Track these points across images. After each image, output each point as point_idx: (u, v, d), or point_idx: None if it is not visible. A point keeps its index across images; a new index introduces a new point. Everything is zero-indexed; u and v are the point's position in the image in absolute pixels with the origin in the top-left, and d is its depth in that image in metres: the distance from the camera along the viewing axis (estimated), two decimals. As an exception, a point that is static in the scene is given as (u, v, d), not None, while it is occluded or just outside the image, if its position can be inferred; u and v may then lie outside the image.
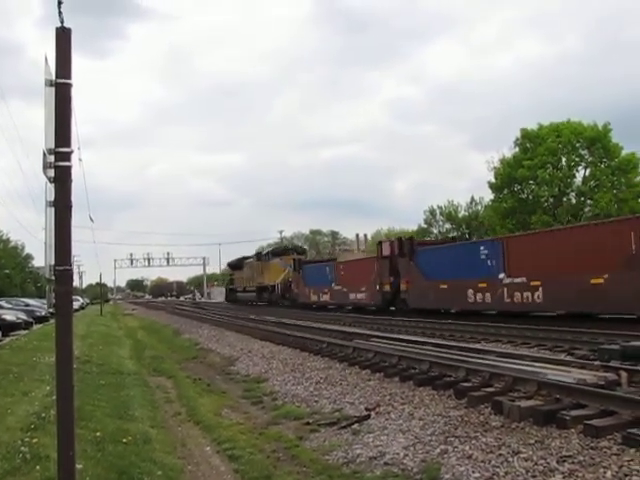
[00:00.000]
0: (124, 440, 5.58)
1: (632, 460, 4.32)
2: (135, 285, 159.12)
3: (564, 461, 4.48)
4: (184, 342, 17.43)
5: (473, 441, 5.17)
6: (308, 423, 6.52)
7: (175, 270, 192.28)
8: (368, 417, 6.44)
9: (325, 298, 32.39)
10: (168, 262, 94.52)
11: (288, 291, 37.88)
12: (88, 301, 75.33)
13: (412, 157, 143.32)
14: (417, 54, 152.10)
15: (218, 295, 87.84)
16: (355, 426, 6.17)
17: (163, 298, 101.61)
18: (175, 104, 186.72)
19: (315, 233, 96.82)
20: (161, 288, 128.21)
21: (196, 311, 36.83)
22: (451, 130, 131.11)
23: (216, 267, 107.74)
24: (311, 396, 7.96)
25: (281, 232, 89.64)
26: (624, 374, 6.64)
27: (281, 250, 44.65)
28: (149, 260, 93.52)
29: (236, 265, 53.77)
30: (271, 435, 6.15)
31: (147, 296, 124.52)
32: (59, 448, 3.23)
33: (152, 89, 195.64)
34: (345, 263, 33.19)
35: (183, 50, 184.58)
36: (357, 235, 70.45)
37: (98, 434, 5.63)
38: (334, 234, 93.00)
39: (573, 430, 5.05)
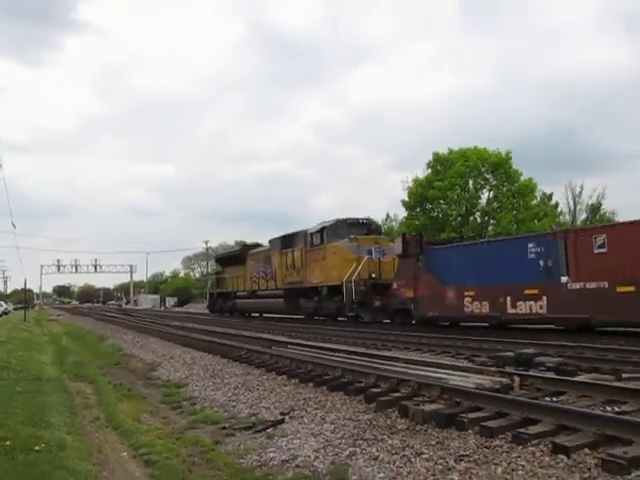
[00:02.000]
0: (37, 448, 5.24)
1: (519, 456, 4.48)
2: (62, 291, 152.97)
3: (461, 460, 4.57)
4: (108, 348, 16.78)
5: (380, 443, 5.20)
6: (225, 427, 6.37)
7: (102, 277, 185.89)
8: (282, 421, 6.37)
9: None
10: (96, 269, 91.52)
11: (370, 297, 20.48)
12: (12, 307, 71.54)
13: (335, 176, 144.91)
14: (342, 80, 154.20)
15: (144, 302, 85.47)
16: (270, 430, 6.08)
17: (90, 304, 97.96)
18: (109, 116, 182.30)
19: (240, 244, 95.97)
20: (88, 294, 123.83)
21: (122, 318, 35.34)
22: (372, 152, 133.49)
23: (143, 275, 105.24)
24: (229, 401, 7.81)
25: (207, 242, 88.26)
26: (517, 379, 6.88)
27: (346, 225, 23.51)
28: (76, 267, 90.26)
29: (231, 258, 34.76)
30: (188, 440, 5.97)
31: (74, 302, 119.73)
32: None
33: (86, 100, 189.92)
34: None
35: (118, 65, 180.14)
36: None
37: (8, 443, 5.27)
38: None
39: (470, 431, 5.17)
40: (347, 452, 5.08)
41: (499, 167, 39.89)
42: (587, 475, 4.03)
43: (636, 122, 76.60)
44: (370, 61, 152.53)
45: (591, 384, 6.74)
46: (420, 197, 40.97)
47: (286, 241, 26.88)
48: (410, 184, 43.21)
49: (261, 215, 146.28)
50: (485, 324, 16.55)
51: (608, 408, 5.74)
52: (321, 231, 23.70)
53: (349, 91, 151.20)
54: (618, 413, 5.46)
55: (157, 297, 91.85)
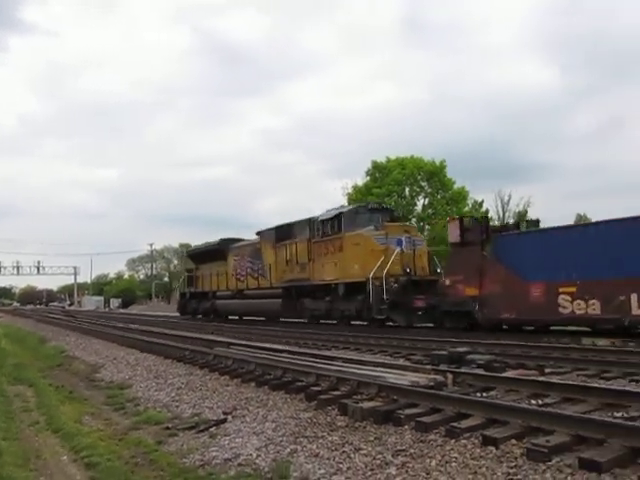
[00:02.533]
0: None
1: (452, 449, 4.56)
2: (2, 293, 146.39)
3: (398, 454, 4.60)
4: (49, 350, 16.14)
5: (320, 440, 5.18)
6: (168, 428, 6.22)
7: (45, 279, 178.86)
8: (225, 420, 6.27)
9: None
10: (38, 270, 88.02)
11: (406, 296, 16.62)
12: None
13: (278, 181, 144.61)
14: (286, 89, 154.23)
15: (88, 304, 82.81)
16: (213, 429, 5.98)
17: (32, 306, 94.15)
18: (54, 118, 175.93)
19: (184, 246, 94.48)
20: (30, 296, 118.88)
21: (65, 319, 34.05)
22: (313, 159, 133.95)
23: (88, 277, 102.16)
24: (172, 401, 7.63)
25: (151, 245, 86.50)
26: (450, 376, 7.01)
27: (367, 210, 19.79)
28: (18, 268, 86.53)
29: (208, 254, 28.97)
30: (131, 441, 5.79)
31: (15, 304, 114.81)
32: None
33: (30, 102, 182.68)
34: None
35: (64, 67, 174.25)
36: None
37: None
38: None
39: (407, 427, 5.22)
40: (288, 449, 5.04)
41: (434, 176, 40.89)
42: (513, 464, 4.13)
43: (557, 135, 79.92)
44: (313, 72, 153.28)
45: (517, 379, 6.94)
46: (359, 203, 41.38)
47: (283, 232, 22.34)
48: (350, 190, 43.70)
49: (205, 218, 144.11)
50: (530, 327, 14.36)
51: (533, 401, 5.92)
52: (337, 218, 19.08)
53: (292, 100, 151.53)
54: (541, 405, 5.65)
55: (101, 298, 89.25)
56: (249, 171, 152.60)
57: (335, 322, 19.43)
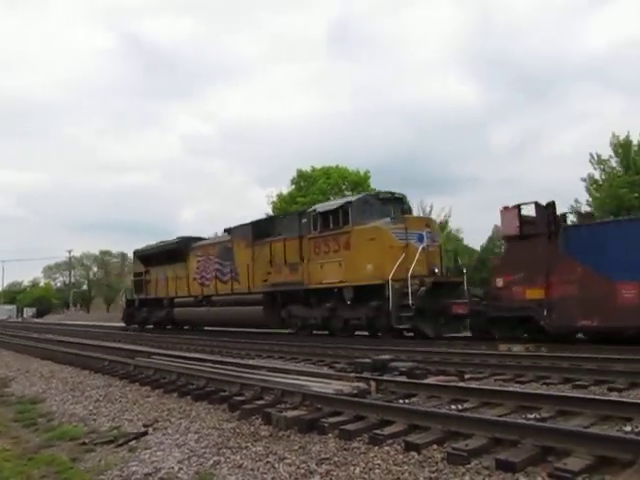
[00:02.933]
0: None
1: (375, 456, 4.59)
2: None
3: (322, 463, 4.60)
4: (-47, 364, 15.10)
5: (244, 451, 5.11)
6: (84, 443, 5.93)
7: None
8: (146, 433, 6.06)
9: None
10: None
11: (437, 302, 14.50)
12: None
13: (202, 188, 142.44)
14: (213, 95, 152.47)
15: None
16: (132, 443, 5.77)
17: None
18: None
19: (104, 254, 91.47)
20: None
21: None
22: (239, 167, 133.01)
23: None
24: (89, 415, 7.31)
25: (70, 251, 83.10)
26: (373, 384, 7.09)
27: (377, 200, 16.92)
28: None
29: (163, 255, 25.58)
30: (42, 459, 5.47)
31: None
32: None
33: None
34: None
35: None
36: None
37: None
38: (123, 256, 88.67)
39: (331, 435, 5.23)
40: (211, 461, 4.93)
41: (358, 185, 41.50)
42: (435, 468, 4.22)
43: (476, 149, 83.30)
44: (240, 78, 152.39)
45: (438, 385, 7.12)
46: (284, 212, 41.50)
47: (262, 228, 19.81)
48: (274, 199, 43.69)
49: (127, 225, 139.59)
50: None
51: (453, 406, 6.08)
52: (342, 209, 16.31)
53: (219, 106, 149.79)
54: (461, 410, 5.82)
55: (14, 307, 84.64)
56: (173, 178, 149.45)
57: (328, 333, 17.31)
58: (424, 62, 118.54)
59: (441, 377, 8.31)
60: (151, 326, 27.20)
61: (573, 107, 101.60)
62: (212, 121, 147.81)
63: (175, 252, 24.67)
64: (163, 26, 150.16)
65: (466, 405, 6.10)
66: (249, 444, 5.28)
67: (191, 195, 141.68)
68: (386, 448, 4.74)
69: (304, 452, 4.90)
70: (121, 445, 5.72)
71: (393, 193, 17.02)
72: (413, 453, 4.54)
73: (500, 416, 5.45)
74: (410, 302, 14.10)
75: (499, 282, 13.56)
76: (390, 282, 14.42)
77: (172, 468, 4.87)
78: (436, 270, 15.37)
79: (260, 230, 19.87)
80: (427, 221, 17.25)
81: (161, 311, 25.74)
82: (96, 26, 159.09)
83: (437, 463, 4.31)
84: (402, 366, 8.58)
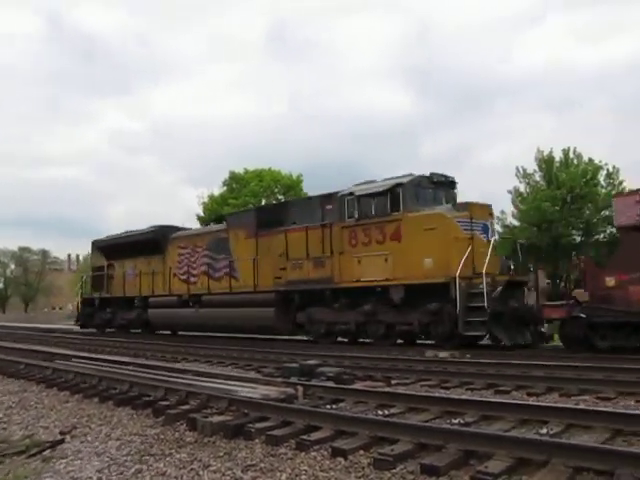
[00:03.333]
0: None
1: (302, 462, 4.58)
2: None
3: (248, 470, 4.55)
4: None
5: (167, 458, 4.98)
6: (-8, 454, 5.61)
7: None
8: (62, 441, 5.81)
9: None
10: None
11: (504, 305, 12.64)
12: None
13: (132, 185, 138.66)
14: (147, 92, 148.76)
15: None
16: (47, 452, 5.50)
17: None
18: None
19: (24, 250, 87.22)
20: None
21: None
22: (170, 165, 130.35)
23: None
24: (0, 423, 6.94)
25: (-14, 248, 78.61)
26: (300, 388, 7.08)
27: (430, 184, 14.49)
28: None
29: (133, 246, 22.21)
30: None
31: None
32: None
33: None
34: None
35: None
36: (69, 255, 65.29)
37: None
38: (44, 253, 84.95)
39: (257, 441, 5.18)
40: (133, 470, 4.78)
41: (291, 189, 41.59)
42: (361, 473, 4.26)
43: (412, 157, 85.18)
44: (175, 77, 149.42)
45: (365, 391, 7.21)
46: (215, 213, 41.03)
47: (269, 215, 17.38)
48: (206, 200, 43.16)
49: (51, 222, 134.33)
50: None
51: (379, 412, 6.16)
52: (391, 192, 13.89)
53: (151, 104, 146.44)
54: (387, 416, 5.90)
55: None
56: (101, 173, 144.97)
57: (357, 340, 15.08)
58: (361, 70, 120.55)
59: (368, 382, 8.42)
60: (113, 329, 23.82)
61: (503, 121, 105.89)
62: (144, 118, 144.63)
63: (150, 243, 21.36)
64: (98, 17, 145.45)
65: (393, 410, 6.19)
66: (173, 451, 5.15)
67: (120, 192, 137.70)
68: (313, 454, 4.75)
69: (230, 458, 4.83)
70: (34, 455, 5.45)
71: (446, 176, 14.70)
72: (340, 459, 4.56)
73: (426, 421, 5.58)
74: (485, 304, 12.02)
75: (610, 281, 11.61)
76: (458, 280, 12.32)
77: (90, 478, 4.69)
78: (512, 267, 13.94)
79: (267, 218, 17.21)
80: (490, 209, 14.64)
81: (130, 313, 22.44)
82: (29, 16, 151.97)
83: (363, 468, 4.35)
84: (330, 371, 8.63)
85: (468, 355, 11.63)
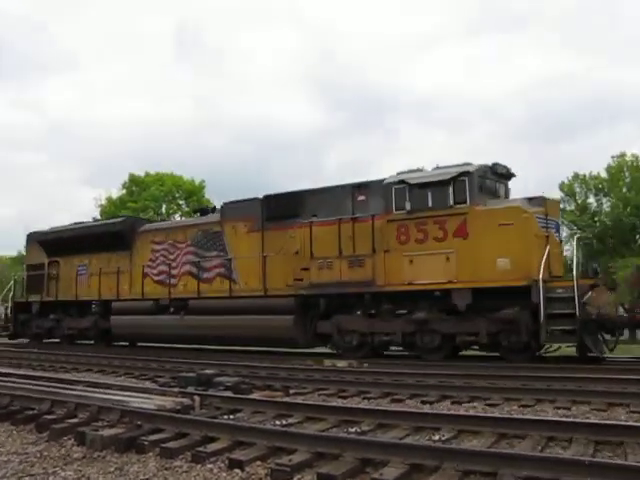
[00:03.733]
0: None
1: (198, 474, 4.48)
2: None
3: (141, 485, 4.39)
4: None
5: (51, 477, 4.67)
6: None
7: None
8: None
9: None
10: None
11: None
12: None
13: (14, 183, 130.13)
14: (36, 85, 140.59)
15: None
16: None
17: None
18: None
19: None
20: None
21: None
22: (62, 164, 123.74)
23: None
24: None
25: None
26: (197, 399, 6.95)
27: (494, 175, 12.83)
28: None
29: (87, 240, 18.60)
30: None
31: None
32: None
33: None
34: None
35: None
36: None
37: None
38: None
39: (151, 454, 5.01)
40: (9, 492, 4.45)
41: (193, 195, 40.89)
42: (259, 485, 4.24)
43: (313, 170, 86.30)
44: (73, 73, 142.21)
45: (263, 401, 7.18)
46: (113, 216, 39.61)
47: (280, 205, 14.69)
48: (103, 202, 41.52)
49: None
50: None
51: (277, 422, 6.15)
52: (456, 180, 12.10)
53: (44, 98, 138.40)
54: (285, 426, 5.91)
55: None
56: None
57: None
58: (266, 79, 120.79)
59: (266, 392, 8.39)
60: (58, 340, 19.84)
61: (401, 138, 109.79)
62: (34, 113, 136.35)
63: (113, 237, 18.03)
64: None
65: (290, 420, 6.21)
66: (58, 469, 4.85)
67: (2, 190, 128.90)
68: (209, 466, 4.65)
69: (121, 474, 4.63)
70: None
71: (507, 167, 13.29)
72: (237, 470, 4.50)
73: (323, 431, 5.64)
74: (577, 312, 10.69)
75: None
76: (541, 283, 10.89)
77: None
78: (597, 268, 12.65)
79: (276, 209, 14.68)
80: (559, 206, 13.09)
81: (82, 320, 18.94)
82: None
83: (261, 479, 4.32)
84: (228, 381, 8.53)
85: (366, 364, 11.88)
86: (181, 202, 41.26)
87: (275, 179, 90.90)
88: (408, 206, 12.40)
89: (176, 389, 7.93)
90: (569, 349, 11.94)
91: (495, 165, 12.81)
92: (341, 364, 11.99)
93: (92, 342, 18.92)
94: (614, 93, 75.82)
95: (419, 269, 12.21)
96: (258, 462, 4.63)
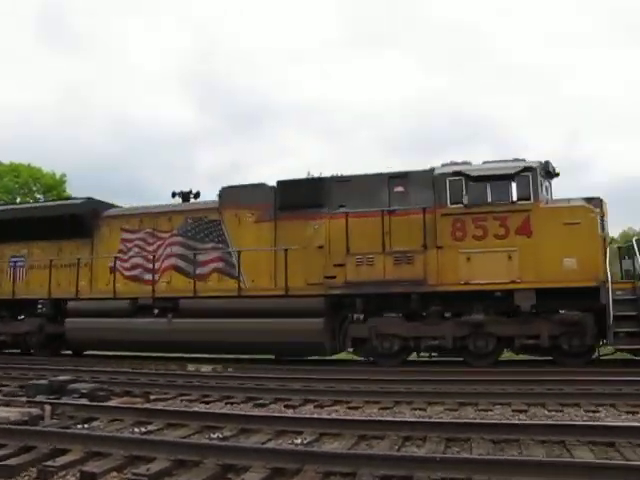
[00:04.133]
0: None
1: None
2: None
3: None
4: None
5: None
6: None
7: None
8: None
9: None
10: None
11: None
12: None
13: None
14: None
15: None
16: None
17: None
18: None
19: None
20: None
21: None
22: None
23: None
24: None
25: None
26: (48, 408, 6.50)
27: (547, 173, 12.15)
28: None
29: (33, 224, 15.15)
30: None
31: None
32: None
33: None
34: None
35: None
36: None
37: None
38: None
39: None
40: None
41: (52, 189, 38.35)
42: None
43: (185, 169, 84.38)
44: None
45: (122, 408, 6.87)
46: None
47: (298, 192, 12.97)
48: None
49: None
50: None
51: (136, 430, 5.90)
52: (520, 174, 11.47)
53: None
54: (144, 433, 5.69)
55: None
56: None
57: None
58: (142, 75, 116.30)
59: (125, 399, 8.04)
60: None
61: (277, 143, 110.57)
62: None
63: (68, 222, 15.01)
64: None
65: (150, 427, 5.99)
66: None
67: None
68: (58, 481, 4.34)
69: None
70: None
71: (555, 167, 12.63)
72: (89, 483, 4.25)
73: (184, 437, 5.49)
74: None
75: None
76: (610, 284, 10.59)
77: None
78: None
79: (295, 196, 12.96)
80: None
81: (21, 323, 15.60)
82: None
83: (116, 491, 4.12)
84: (83, 388, 8.04)
85: (230, 369, 11.78)
86: (39, 196, 38.45)
87: (146, 176, 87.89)
88: (465, 200, 11.62)
89: (24, 399, 7.36)
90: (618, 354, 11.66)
91: (547, 163, 12.22)
92: (205, 369, 11.79)
93: (30, 351, 15.61)
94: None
95: (477, 268, 11.39)
96: (114, 473, 4.41)
